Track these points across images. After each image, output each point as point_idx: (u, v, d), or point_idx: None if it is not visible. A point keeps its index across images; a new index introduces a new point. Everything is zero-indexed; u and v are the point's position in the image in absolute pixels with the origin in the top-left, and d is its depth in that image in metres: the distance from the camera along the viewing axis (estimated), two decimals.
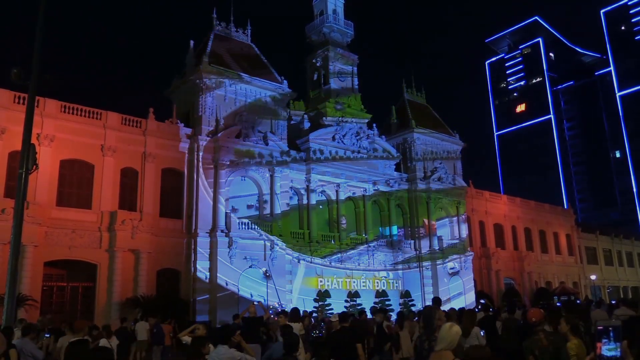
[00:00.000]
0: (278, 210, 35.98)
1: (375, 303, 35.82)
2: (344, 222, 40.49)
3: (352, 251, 40.16)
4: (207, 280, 32.02)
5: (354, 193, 42.25)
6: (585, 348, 6.79)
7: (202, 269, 32.19)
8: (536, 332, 6.96)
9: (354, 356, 10.28)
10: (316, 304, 35.79)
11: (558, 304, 36.26)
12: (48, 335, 16.14)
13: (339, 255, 39.32)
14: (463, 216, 48.10)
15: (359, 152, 42.77)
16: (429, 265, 44.76)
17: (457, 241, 46.50)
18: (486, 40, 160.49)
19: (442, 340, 5.55)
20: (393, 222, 44.26)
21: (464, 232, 47.58)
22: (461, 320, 11.22)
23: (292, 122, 41.30)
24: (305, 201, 39.40)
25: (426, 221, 45.57)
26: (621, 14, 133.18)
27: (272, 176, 36.06)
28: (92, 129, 30.48)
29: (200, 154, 33.49)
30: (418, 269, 44.41)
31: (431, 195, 46.10)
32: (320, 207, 40.33)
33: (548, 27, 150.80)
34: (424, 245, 44.75)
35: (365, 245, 40.99)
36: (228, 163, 34.05)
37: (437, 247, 44.98)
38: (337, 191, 40.96)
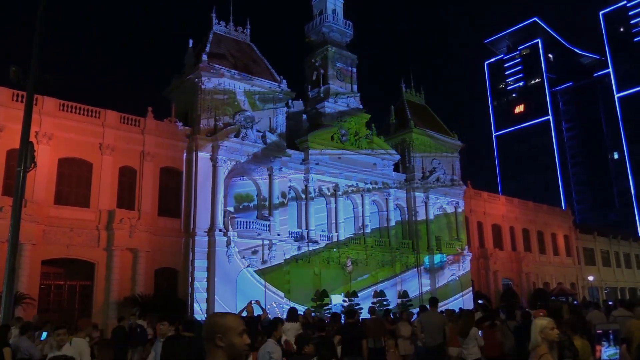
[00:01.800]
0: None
1: (373, 303, 35.79)
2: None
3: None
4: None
5: (352, 192, 42.27)
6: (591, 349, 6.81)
7: (199, 269, 32.22)
8: None
9: (360, 351, 11.66)
10: (314, 304, 35.74)
11: None
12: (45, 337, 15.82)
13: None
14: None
15: (357, 152, 42.80)
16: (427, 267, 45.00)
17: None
18: (485, 41, 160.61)
19: (531, 336, 5.54)
20: (392, 224, 44.17)
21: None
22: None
23: (291, 121, 41.26)
24: (304, 200, 39.43)
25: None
26: (620, 16, 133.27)
27: (270, 176, 36.09)
28: (91, 127, 30.37)
29: (199, 153, 33.45)
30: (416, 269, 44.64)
31: (429, 195, 46.13)
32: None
33: (547, 28, 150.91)
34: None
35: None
36: (227, 162, 34.04)
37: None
38: (335, 191, 40.98)
